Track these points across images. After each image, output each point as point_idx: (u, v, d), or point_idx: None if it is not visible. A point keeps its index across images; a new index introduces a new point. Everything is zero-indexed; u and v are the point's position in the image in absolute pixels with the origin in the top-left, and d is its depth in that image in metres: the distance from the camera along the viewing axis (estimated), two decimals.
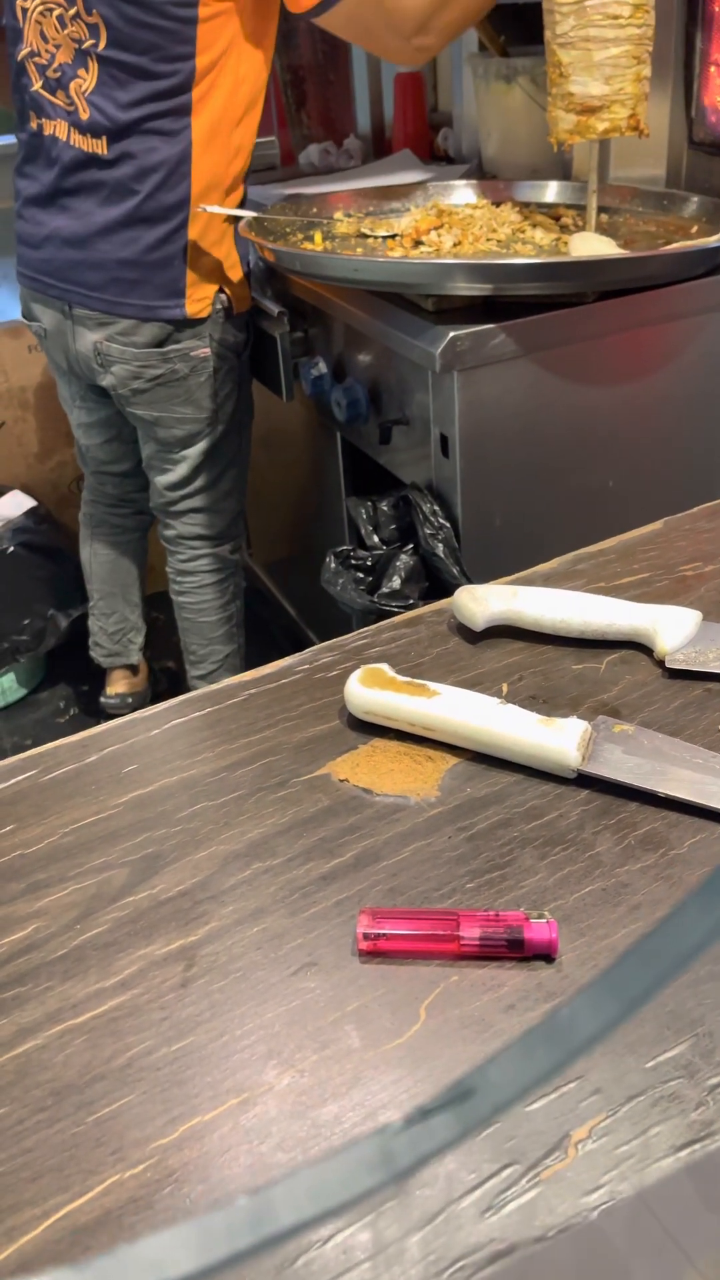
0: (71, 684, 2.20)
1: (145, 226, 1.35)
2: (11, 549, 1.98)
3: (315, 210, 1.52)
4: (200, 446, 1.54)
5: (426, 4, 1.28)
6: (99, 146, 1.33)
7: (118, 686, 1.98)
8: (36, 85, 1.35)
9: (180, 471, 1.57)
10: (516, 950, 0.47)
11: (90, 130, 1.33)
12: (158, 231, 1.35)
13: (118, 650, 1.93)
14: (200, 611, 1.71)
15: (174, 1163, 0.41)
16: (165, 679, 2.08)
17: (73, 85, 1.32)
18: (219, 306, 1.43)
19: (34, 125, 1.39)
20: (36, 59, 1.34)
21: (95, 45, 1.28)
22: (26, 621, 2.02)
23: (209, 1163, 0.40)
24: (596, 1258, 0.41)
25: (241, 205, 1.43)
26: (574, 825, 0.54)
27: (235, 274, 1.44)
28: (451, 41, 1.42)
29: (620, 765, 0.56)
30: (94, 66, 1.29)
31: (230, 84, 1.32)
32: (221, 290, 1.43)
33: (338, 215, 1.51)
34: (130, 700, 1.96)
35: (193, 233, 1.36)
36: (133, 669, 1.98)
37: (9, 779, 0.61)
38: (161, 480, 1.59)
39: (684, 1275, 0.40)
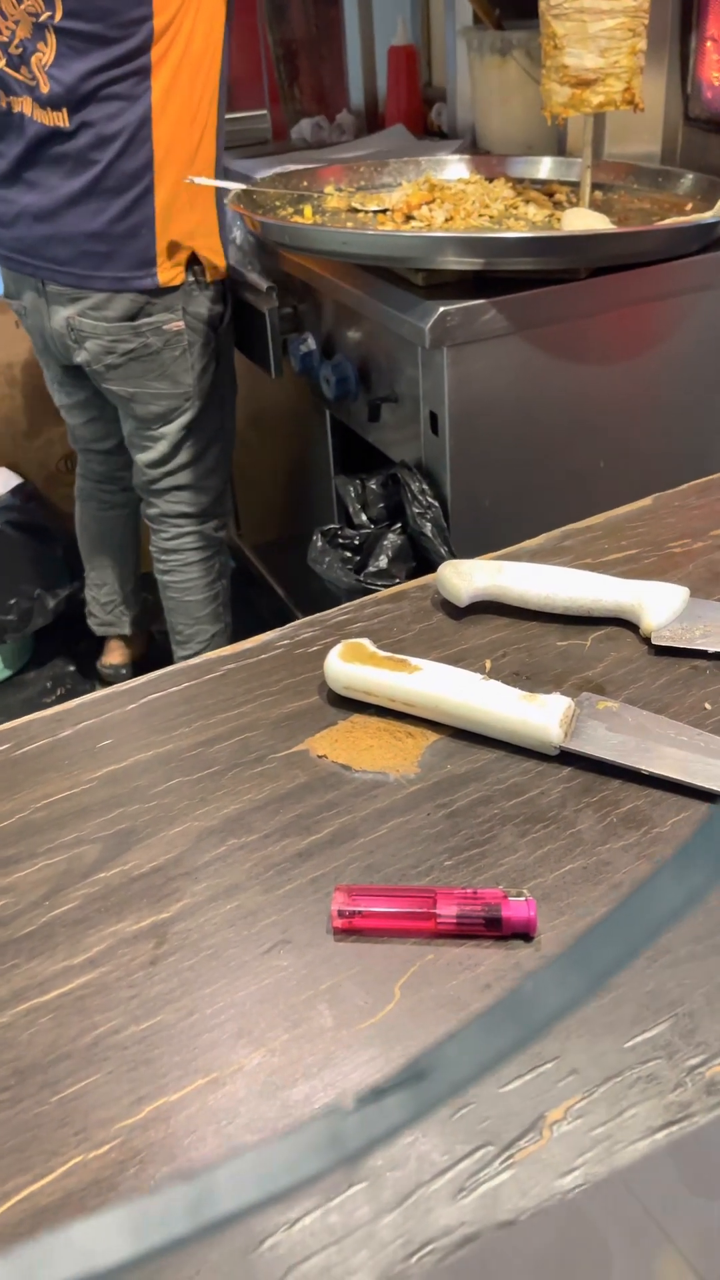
0: (59, 664, 2.18)
1: (110, 196, 1.34)
2: None
3: (305, 184, 1.50)
4: (179, 422, 1.52)
5: None
6: (60, 119, 1.32)
7: (113, 656, 1.99)
8: (1, 63, 1.34)
9: (160, 449, 1.55)
10: (494, 929, 0.46)
11: (51, 103, 1.32)
12: (123, 200, 1.34)
13: (110, 620, 1.95)
14: (185, 590, 1.70)
15: (139, 1143, 0.40)
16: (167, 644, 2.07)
17: (34, 60, 1.31)
18: (192, 277, 1.42)
19: (2, 104, 1.37)
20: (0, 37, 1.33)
21: (52, 17, 1.27)
22: (13, 601, 2.00)
23: (175, 1143, 0.39)
24: (574, 1238, 0.40)
25: (219, 173, 1.41)
26: (555, 803, 0.53)
27: (210, 241, 1.42)
28: None
29: (603, 742, 0.55)
30: (52, 39, 1.29)
31: (184, 44, 1.30)
32: (195, 258, 1.41)
33: (328, 190, 1.49)
34: (124, 671, 1.98)
35: (159, 200, 1.35)
36: (127, 639, 1.99)
37: None
38: (142, 458, 1.58)
39: (663, 1255, 0.39)
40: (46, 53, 1.30)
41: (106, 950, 0.47)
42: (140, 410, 1.52)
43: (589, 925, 0.20)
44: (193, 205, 1.38)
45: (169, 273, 1.39)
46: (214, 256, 1.43)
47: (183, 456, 1.56)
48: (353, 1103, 0.20)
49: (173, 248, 1.38)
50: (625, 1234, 0.40)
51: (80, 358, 1.47)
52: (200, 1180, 0.18)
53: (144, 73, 1.29)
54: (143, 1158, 0.39)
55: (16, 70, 1.33)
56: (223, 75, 1.38)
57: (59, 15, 1.26)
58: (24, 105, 1.35)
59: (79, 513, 1.87)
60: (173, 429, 1.53)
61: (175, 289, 1.41)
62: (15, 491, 2.04)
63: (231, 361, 1.57)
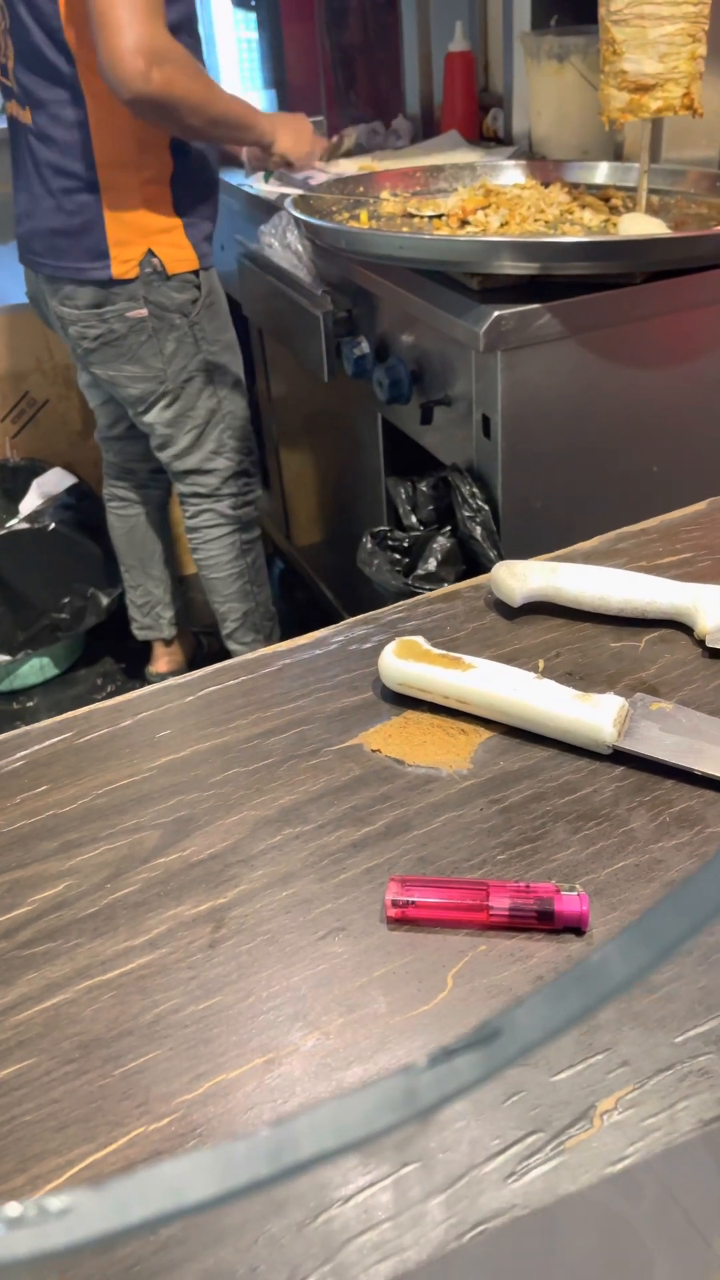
0: (108, 662, 2.22)
1: (63, 195, 1.45)
2: (53, 526, 2.00)
3: (362, 189, 1.51)
4: (160, 406, 1.61)
5: (166, 39, 1.26)
6: (26, 116, 1.45)
7: (159, 664, 2.04)
8: None
9: (156, 433, 1.66)
10: (546, 922, 0.46)
11: (19, 99, 1.45)
12: (76, 198, 1.45)
13: (149, 624, 2.00)
14: (210, 567, 1.79)
15: (198, 1118, 0.41)
16: (219, 644, 2.09)
17: (9, 63, 1.44)
18: (149, 269, 1.49)
19: (7, 111, 1.51)
20: None
21: (5, 24, 1.41)
22: (67, 600, 2.04)
23: (233, 1119, 0.41)
24: (612, 1228, 0.41)
25: (189, 166, 1.50)
26: (608, 801, 0.53)
27: (169, 236, 1.50)
28: (175, 117, 1.34)
29: (657, 742, 0.55)
30: (9, 43, 1.41)
31: None
32: (151, 252, 1.49)
33: (384, 194, 1.50)
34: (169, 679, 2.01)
35: (107, 198, 1.45)
36: (169, 643, 2.02)
37: (45, 740, 0.61)
38: (152, 444, 1.70)
39: (701, 1250, 0.40)
40: (9, 54, 1.43)
41: (166, 932, 0.49)
42: (121, 393, 1.62)
43: (656, 901, 0.20)
44: (145, 205, 1.47)
45: (122, 266, 1.49)
46: (177, 251, 1.51)
47: (181, 441, 1.66)
48: (425, 1061, 0.21)
49: (124, 243, 1.48)
50: (664, 1229, 0.41)
51: (68, 343, 1.61)
52: (282, 1128, 0.19)
53: (77, 93, 1.39)
54: (201, 1131, 0.40)
55: (5, 75, 1.47)
56: None
57: (7, 21, 1.40)
58: (11, 107, 1.49)
59: (107, 516, 1.95)
60: (156, 412, 1.62)
61: (133, 280, 1.50)
62: (70, 491, 2.08)
63: (219, 347, 1.63)
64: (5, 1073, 0.43)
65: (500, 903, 0.47)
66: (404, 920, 0.48)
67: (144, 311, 1.52)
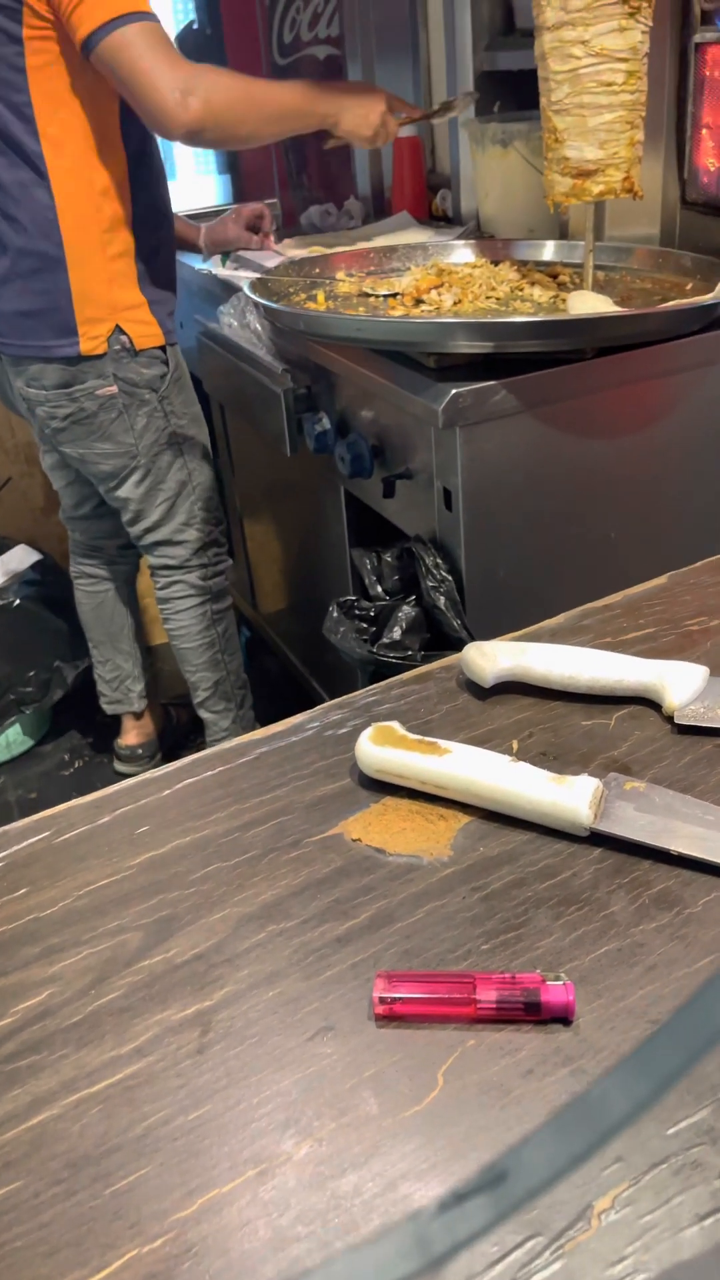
0: (77, 736, 2.20)
1: (30, 275, 1.47)
2: (18, 602, 1.99)
3: (318, 270, 1.55)
4: (132, 481, 1.63)
5: (191, 68, 1.31)
6: None
7: (129, 737, 2.02)
8: None
9: (129, 508, 1.67)
10: (534, 1013, 0.47)
11: None
12: (43, 278, 1.46)
13: (118, 698, 1.98)
14: (181, 637, 1.79)
15: (192, 1236, 0.40)
16: (188, 714, 2.08)
17: None
18: (117, 346, 1.51)
19: None
20: None
21: None
22: (32, 673, 2.03)
23: (228, 1236, 0.40)
24: None
25: (151, 244, 1.52)
26: (588, 884, 0.54)
27: (137, 314, 1.52)
28: (229, 131, 1.38)
29: (632, 823, 0.56)
30: None
31: (79, 129, 1.40)
32: (119, 329, 1.51)
33: (340, 275, 1.54)
34: (140, 752, 2.02)
35: (74, 275, 1.46)
36: (139, 716, 2.01)
37: (22, 841, 0.61)
38: (124, 518, 1.70)
39: None
40: None
41: (153, 1039, 0.48)
42: (93, 470, 1.63)
43: (652, 1032, 0.21)
44: (112, 283, 1.49)
45: (90, 343, 1.50)
46: (144, 327, 1.54)
47: (152, 515, 1.67)
48: (435, 1207, 0.21)
49: (92, 321, 1.49)
50: None
51: (35, 424, 1.62)
52: None
53: (39, 160, 1.40)
54: (196, 1251, 0.40)
55: None
56: (137, 163, 1.48)
57: None
58: None
59: (75, 593, 1.94)
60: (128, 487, 1.64)
61: (102, 356, 1.51)
62: (35, 567, 2.08)
63: (186, 420, 1.65)
64: None
65: (487, 995, 0.47)
66: (392, 1017, 0.48)
67: (114, 388, 1.54)
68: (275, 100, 1.41)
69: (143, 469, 1.62)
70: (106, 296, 1.49)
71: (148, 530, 1.70)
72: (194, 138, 1.36)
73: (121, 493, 1.65)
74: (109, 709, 2.01)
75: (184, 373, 1.65)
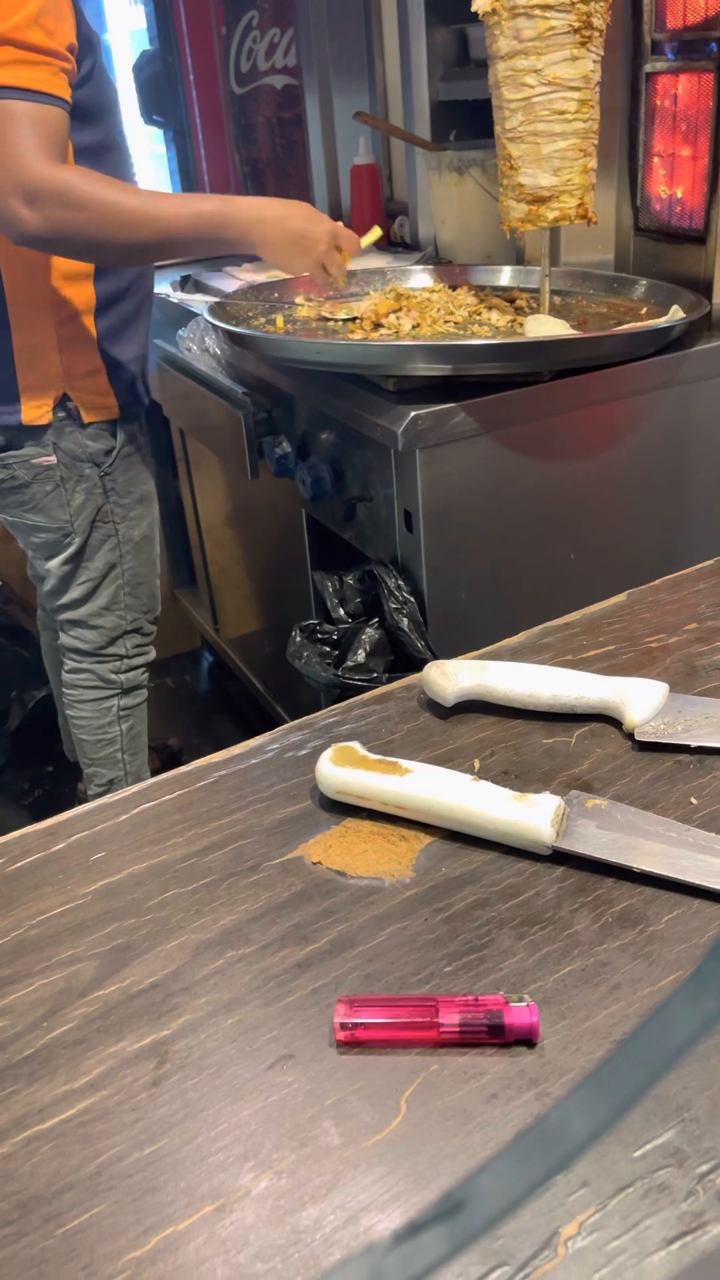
0: (36, 765, 2.16)
1: None
2: None
3: (276, 295, 1.56)
4: (61, 557, 1.51)
5: (53, 174, 1.14)
6: None
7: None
8: None
9: (50, 582, 1.54)
10: (497, 1036, 0.46)
11: None
12: None
13: (74, 746, 1.93)
14: (80, 728, 1.65)
15: (148, 1276, 0.39)
16: (159, 758, 2.04)
17: None
18: (61, 414, 1.41)
19: None
20: None
21: None
22: None
23: (185, 1275, 0.39)
24: None
25: (116, 297, 1.41)
26: (551, 903, 0.54)
27: (89, 383, 1.41)
28: (80, 251, 1.22)
29: (594, 841, 0.56)
30: None
31: None
32: (66, 396, 1.41)
33: (299, 299, 1.55)
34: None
35: (18, 339, 1.36)
36: None
37: None
38: (43, 588, 1.58)
39: None
40: None
41: (107, 1072, 0.47)
42: (23, 540, 1.52)
43: (610, 1052, 0.20)
44: (64, 349, 1.38)
45: (33, 411, 1.39)
46: (95, 398, 1.42)
47: (73, 592, 1.54)
48: (390, 1240, 0.20)
49: (36, 389, 1.39)
50: None
51: None
52: None
53: None
54: None
55: None
56: None
57: None
58: None
59: (41, 636, 1.87)
60: (56, 563, 1.51)
61: (45, 426, 1.40)
62: None
63: (141, 500, 1.54)
64: None
65: (450, 1019, 0.46)
66: (353, 1043, 0.47)
67: (52, 459, 1.42)
68: (154, 224, 1.20)
69: (73, 547, 1.50)
70: (55, 362, 1.38)
71: (64, 607, 1.56)
72: (34, 247, 1.21)
73: (48, 566, 1.52)
74: (70, 755, 1.95)
75: (138, 449, 1.52)
